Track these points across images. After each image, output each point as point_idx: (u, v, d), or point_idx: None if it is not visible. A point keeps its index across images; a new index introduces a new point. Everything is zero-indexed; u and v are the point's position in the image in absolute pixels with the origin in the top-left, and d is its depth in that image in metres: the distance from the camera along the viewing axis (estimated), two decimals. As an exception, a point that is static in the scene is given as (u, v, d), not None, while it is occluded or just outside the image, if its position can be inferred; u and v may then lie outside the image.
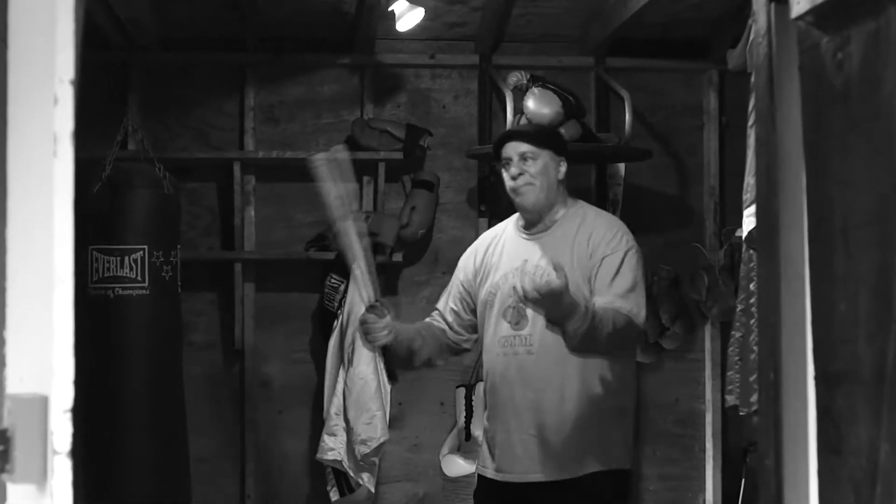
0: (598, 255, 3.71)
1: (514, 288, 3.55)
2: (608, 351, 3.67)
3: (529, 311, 3.68)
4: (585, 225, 3.77)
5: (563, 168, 3.81)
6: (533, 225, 3.82)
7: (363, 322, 3.66)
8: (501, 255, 3.85)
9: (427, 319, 3.97)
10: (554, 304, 3.49)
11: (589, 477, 3.70)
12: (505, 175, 3.82)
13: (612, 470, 3.73)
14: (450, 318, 3.93)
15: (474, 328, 3.91)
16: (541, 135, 3.90)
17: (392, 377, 3.93)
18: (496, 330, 3.78)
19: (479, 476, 3.93)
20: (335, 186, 3.59)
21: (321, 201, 3.67)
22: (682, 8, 5.20)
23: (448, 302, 3.95)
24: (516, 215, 3.91)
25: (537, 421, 3.71)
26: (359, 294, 3.71)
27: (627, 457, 3.79)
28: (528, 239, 3.82)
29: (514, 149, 3.79)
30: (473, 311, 3.90)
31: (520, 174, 3.76)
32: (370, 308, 3.65)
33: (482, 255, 3.91)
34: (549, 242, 3.77)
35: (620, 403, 3.78)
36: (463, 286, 3.92)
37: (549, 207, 3.79)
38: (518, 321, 3.73)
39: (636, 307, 3.70)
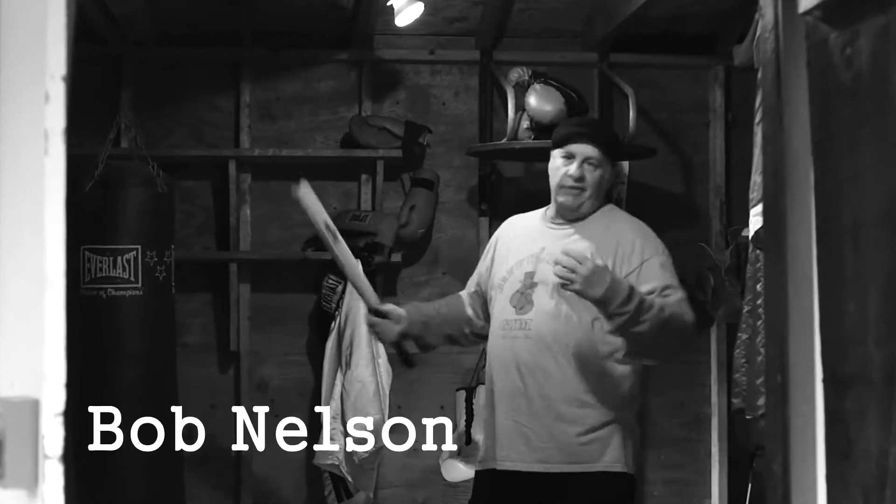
0: (637, 259, 3.65)
1: (553, 262, 3.50)
2: (662, 347, 3.62)
3: (535, 298, 3.65)
4: (614, 227, 3.71)
5: (610, 174, 3.81)
6: (562, 217, 3.76)
7: (371, 325, 3.82)
8: (521, 241, 3.80)
9: (456, 294, 3.97)
10: (591, 281, 3.44)
11: (580, 476, 3.61)
12: (560, 165, 3.74)
13: (607, 473, 3.62)
14: (475, 303, 3.90)
15: None
16: (611, 144, 3.82)
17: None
18: (501, 314, 3.73)
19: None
20: (321, 211, 3.72)
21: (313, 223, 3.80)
22: (687, 3, 5.18)
23: (472, 287, 3.93)
24: (546, 207, 3.85)
25: (521, 406, 3.64)
26: (363, 302, 3.87)
27: (625, 461, 3.66)
28: (552, 229, 3.77)
29: (582, 149, 3.71)
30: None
31: (579, 178, 3.69)
32: (373, 312, 3.77)
33: (502, 242, 3.87)
34: (572, 236, 3.72)
35: (617, 409, 3.66)
36: (482, 275, 3.90)
37: (589, 210, 3.76)
38: (523, 306, 3.68)
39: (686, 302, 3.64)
